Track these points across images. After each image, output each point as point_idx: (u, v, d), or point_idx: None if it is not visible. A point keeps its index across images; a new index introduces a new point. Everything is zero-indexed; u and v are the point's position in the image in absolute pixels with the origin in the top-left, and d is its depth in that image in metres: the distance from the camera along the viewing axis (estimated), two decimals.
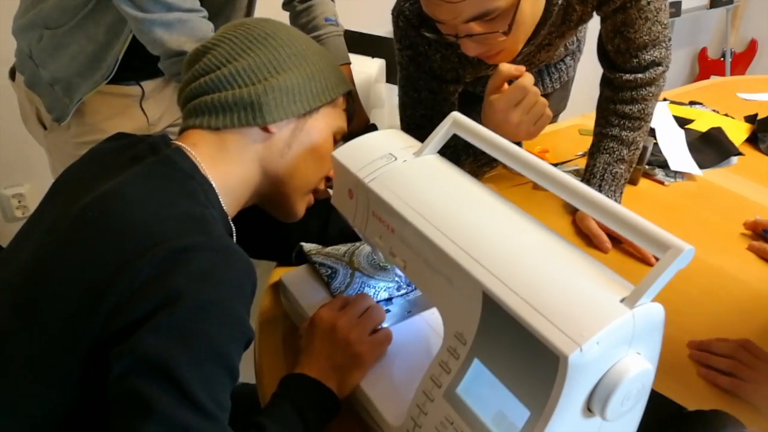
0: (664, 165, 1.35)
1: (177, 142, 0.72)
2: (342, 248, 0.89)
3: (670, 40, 1.08)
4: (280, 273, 0.90)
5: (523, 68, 0.91)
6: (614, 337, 0.46)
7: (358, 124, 1.29)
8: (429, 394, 0.57)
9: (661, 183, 1.31)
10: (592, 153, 1.15)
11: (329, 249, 0.89)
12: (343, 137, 1.34)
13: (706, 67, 3.90)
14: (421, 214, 0.59)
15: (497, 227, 0.57)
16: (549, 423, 0.47)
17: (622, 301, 0.47)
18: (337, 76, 0.80)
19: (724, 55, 3.75)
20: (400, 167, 0.66)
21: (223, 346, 0.56)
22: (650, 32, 1.02)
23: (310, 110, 0.76)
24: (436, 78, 1.05)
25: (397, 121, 1.16)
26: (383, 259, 0.84)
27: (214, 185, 0.70)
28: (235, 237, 0.73)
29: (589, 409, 0.49)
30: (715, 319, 0.91)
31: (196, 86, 0.74)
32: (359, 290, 0.80)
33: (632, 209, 1.24)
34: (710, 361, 0.81)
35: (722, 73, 3.75)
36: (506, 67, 0.91)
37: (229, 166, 0.73)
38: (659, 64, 1.07)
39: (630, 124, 1.11)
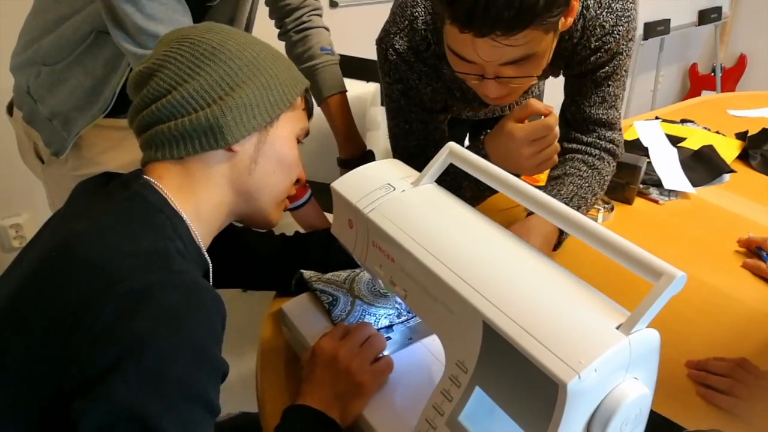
0: (658, 184, 1.37)
1: (146, 177, 0.70)
2: (342, 274, 0.90)
3: (621, 129, 1.12)
4: (280, 302, 0.91)
5: (551, 108, 0.93)
6: (611, 364, 0.47)
7: (355, 150, 1.30)
8: (432, 422, 0.58)
9: (656, 202, 1.33)
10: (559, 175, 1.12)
11: (329, 275, 0.90)
12: (340, 164, 1.37)
13: (696, 82, 3.95)
14: (421, 244, 0.61)
15: (495, 256, 0.58)
16: None
17: (618, 327, 0.49)
18: (292, 77, 0.77)
19: (714, 71, 3.80)
20: (398, 197, 0.67)
21: (197, 386, 0.55)
22: (607, 114, 1.06)
23: (270, 120, 0.74)
24: (427, 110, 1.06)
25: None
26: (383, 287, 0.85)
27: (184, 217, 0.69)
28: (211, 269, 0.73)
29: None
30: (711, 338, 0.92)
31: (148, 114, 0.70)
32: (360, 318, 0.81)
33: (628, 228, 1.28)
34: (708, 380, 0.82)
35: (713, 88, 3.80)
36: (536, 102, 0.92)
37: (198, 195, 0.71)
38: (614, 153, 1.10)
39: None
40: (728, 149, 1.55)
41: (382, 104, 2.13)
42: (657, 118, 1.75)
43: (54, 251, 0.61)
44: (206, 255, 0.71)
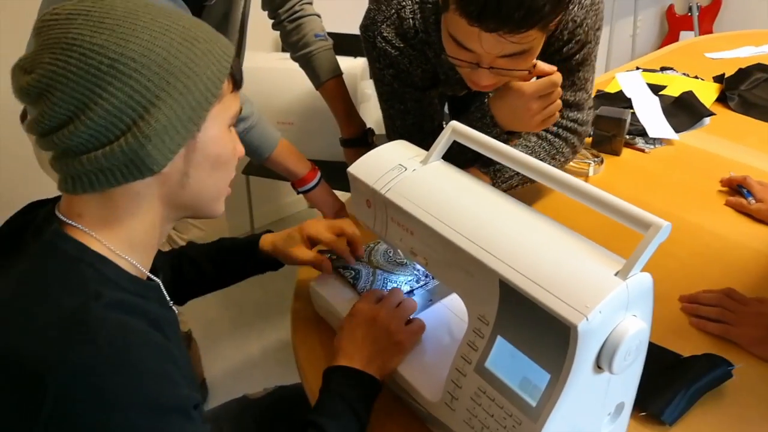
0: (642, 133, 1.45)
1: (62, 217, 0.62)
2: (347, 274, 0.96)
3: (590, 107, 1.18)
4: (303, 274, 0.99)
5: (554, 67, 0.98)
6: (613, 305, 0.56)
7: (356, 130, 1.37)
8: (461, 370, 0.66)
9: (642, 151, 1.40)
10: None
11: None
12: (343, 143, 1.43)
13: (674, 23, 3.99)
14: (436, 217, 0.68)
15: (504, 220, 0.66)
16: (567, 382, 0.57)
17: (616, 274, 0.57)
18: (215, 60, 0.63)
19: (690, 10, 3.84)
20: (411, 176, 0.75)
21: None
22: (575, 96, 1.12)
23: (197, 128, 0.63)
24: (419, 88, 1.12)
25: None
26: (403, 257, 0.92)
27: (110, 258, 0.62)
28: (161, 284, 0.70)
29: (598, 366, 0.59)
30: (702, 274, 1.01)
31: (52, 142, 0.59)
32: (383, 286, 0.89)
33: (618, 179, 1.36)
34: (699, 311, 0.91)
35: (690, 28, 3.84)
36: (541, 63, 0.97)
37: (128, 225, 0.63)
38: (576, 131, 1.16)
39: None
40: (707, 93, 1.62)
41: (371, 77, 2.20)
42: (638, 68, 1.81)
43: None
44: (151, 277, 0.67)
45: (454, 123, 0.76)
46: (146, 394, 0.54)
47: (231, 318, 2.07)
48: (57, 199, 0.67)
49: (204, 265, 0.95)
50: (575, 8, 1.02)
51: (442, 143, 0.76)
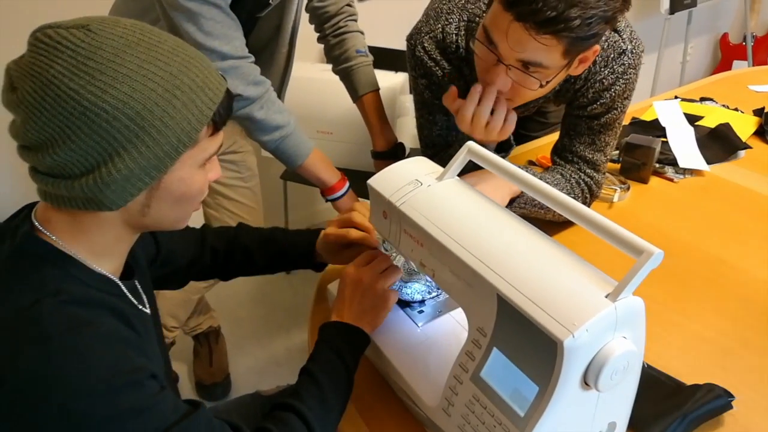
0: (673, 163, 1.45)
1: (33, 220, 0.66)
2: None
3: (605, 172, 1.20)
4: (325, 278, 1.04)
5: (454, 89, 1.02)
6: (600, 325, 0.58)
7: (387, 144, 1.42)
8: (458, 378, 0.70)
9: (671, 180, 1.41)
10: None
11: None
12: (374, 156, 1.48)
13: (728, 52, 3.92)
14: (445, 232, 0.72)
15: (506, 239, 0.69)
16: (553, 395, 0.59)
17: (607, 296, 0.60)
18: (193, 112, 0.63)
19: (745, 39, 3.76)
20: (425, 191, 0.79)
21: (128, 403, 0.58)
22: (594, 155, 1.15)
23: (162, 174, 0.64)
24: None
25: None
26: (416, 268, 0.96)
27: (78, 257, 0.65)
28: (132, 287, 0.73)
29: (586, 383, 0.61)
30: (719, 306, 1.01)
31: (26, 156, 0.63)
32: (398, 291, 0.93)
33: (643, 207, 1.37)
34: None
35: (744, 58, 3.77)
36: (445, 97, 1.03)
37: (91, 238, 0.66)
38: (591, 189, 1.18)
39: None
40: (745, 126, 1.61)
41: (410, 92, 2.25)
42: (676, 97, 1.81)
43: None
44: (115, 280, 0.69)
45: (470, 144, 0.79)
46: (97, 377, 0.57)
47: (260, 317, 2.14)
48: None
49: (256, 256, 0.99)
50: (605, 70, 1.06)
51: (458, 162, 0.80)
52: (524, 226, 0.71)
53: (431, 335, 0.88)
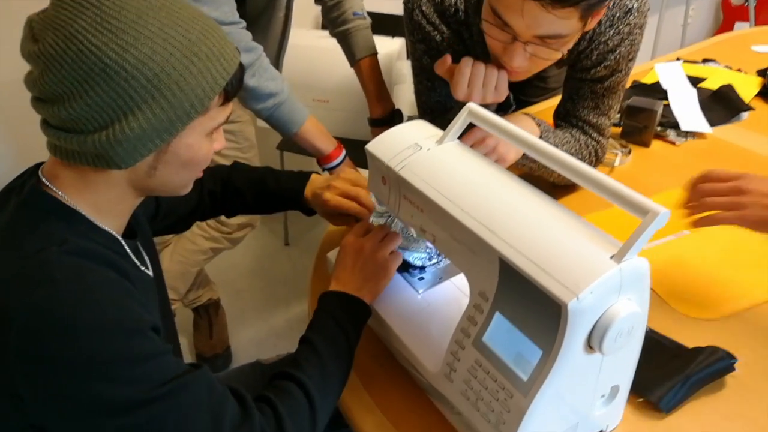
0: (675, 126, 1.43)
1: (41, 175, 0.67)
2: (380, 222, 0.99)
3: (609, 137, 1.18)
4: (324, 247, 1.03)
5: (447, 57, 1.01)
6: (605, 287, 0.57)
7: (385, 110, 1.39)
8: (460, 343, 0.69)
9: (673, 143, 1.39)
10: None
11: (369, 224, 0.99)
12: (371, 123, 1.46)
13: (729, 13, 3.86)
14: (445, 196, 0.71)
15: (508, 201, 0.68)
16: (557, 358, 0.59)
17: (611, 257, 0.58)
18: (211, 76, 0.65)
19: (747, 0, 3.70)
20: (425, 155, 0.77)
21: (130, 351, 0.59)
22: (598, 119, 1.13)
23: (172, 137, 0.66)
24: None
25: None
26: (415, 234, 0.95)
27: (82, 212, 0.67)
28: (133, 246, 0.73)
29: (590, 346, 0.60)
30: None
31: (40, 109, 0.64)
32: None
33: (645, 170, 1.34)
34: (708, 204, 0.84)
35: (746, 19, 3.71)
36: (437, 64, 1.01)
37: (97, 193, 0.67)
38: (596, 154, 1.16)
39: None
40: (748, 87, 1.58)
41: (408, 58, 2.21)
42: (678, 59, 1.78)
43: None
44: (117, 237, 0.71)
45: (471, 105, 0.77)
46: (105, 319, 0.58)
47: (259, 289, 2.13)
48: None
49: (248, 198, 1.01)
50: (610, 31, 1.02)
51: (458, 124, 0.78)
52: (527, 188, 0.70)
53: (432, 302, 0.87)
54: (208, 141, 0.70)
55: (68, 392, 0.58)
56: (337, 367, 0.76)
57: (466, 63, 0.98)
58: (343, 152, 1.25)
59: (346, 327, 0.78)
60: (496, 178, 0.72)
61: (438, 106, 1.19)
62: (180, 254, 1.62)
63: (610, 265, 0.58)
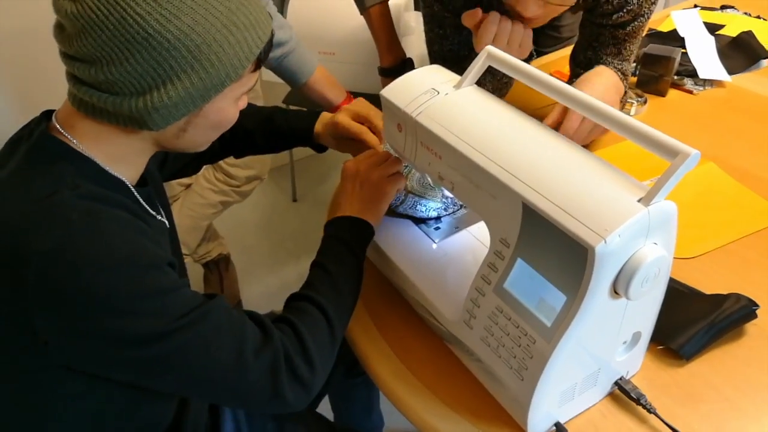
0: (692, 74, 1.39)
1: (55, 123, 0.66)
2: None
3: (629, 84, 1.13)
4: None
5: (478, 11, 0.98)
6: (632, 231, 0.56)
7: (395, 59, 1.36)
8: (480, 290, 0.68)
9: (690, 92, 1.35)
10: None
11: None
12: (381, 72, 1.43)
13: None
14: (465, 141, 0.69)
15: (530, 145, 0.66)
16: (582, 304, 0.58)
17: (639, 200, 0.57)
18: (245, 49, 0.64)
19: None
20: (442, 100, 0.75)
21: (145, 286, 0.60)
22: (621, 65, 1.08)
23: (206, 103, 0.66)
24: (459, 15, 1.11)
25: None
26: (432, 182, 0.93)
27: (95, 159, 0.66)
28: (144, 194, 0.72)
29: (615, 292, 0.59)
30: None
31: (73, 66, 0.63)
32: (412, 206, 0.90)
33: (661, 120, 1.33)
34: None
35: None
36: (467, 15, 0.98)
37: (113, 146, 0.67)
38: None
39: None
40: (767, 34, 1.53)
41: (416, 9, 2.15)
42: (696, 6, 1.72)
43: None
44: (129, 186, 0.70)
45: (490, 48, 0.75)
46: (120, 255, 0.59)
47: (269, 245, 2.13)
48: None
49: (257, 138, 1.00)
50: None
51: (476, 68, 0.76)
52: (549, 132, 0.68)
53: (448, 251, 0.86)
54: (236, 104, 0.72)
55: (89, 329, 0.58)
56: (349, 285, 0.78)
57: (493, 20, 0.96)
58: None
59: (353, 246, 0.80)
60: (518, 122, 0.70)
61: (450, 55, 1.16)
62: (189, 208, 1.61)
63: (638, 207, 0.56)
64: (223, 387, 0.65)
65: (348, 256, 0.79)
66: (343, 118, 0.96)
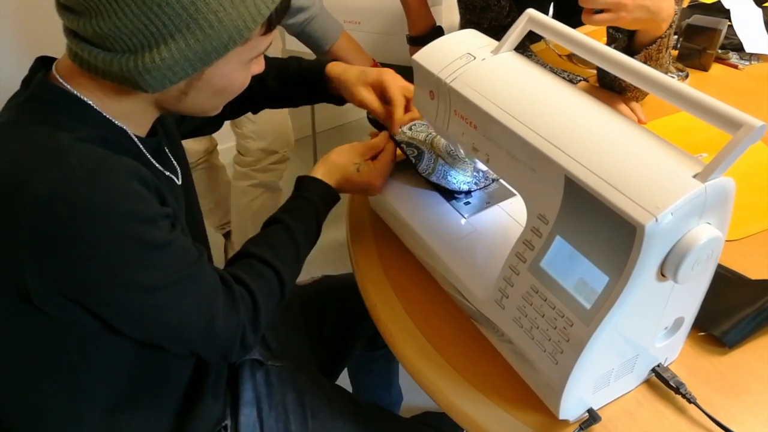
0: (738, 48, 1.32)
1: (54, 73, 0.63)
2: (421, 135, 0.92)
3: None
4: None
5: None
6: (686, 209, 0.51)
7: (425, 27, 1.31)
8: (515, 268, 0.65)
9: (735, 67, 1.29)
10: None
11: (410, 133, 0.92)
12: (410, 41, 1.37)
13: None
14: (504, 109, 0.64)
15: (574, 115, 0.61)
16: (626, 285, 0.54)
17: (695, 176, 0.52)
18: (251, 10, 0.60)
19: None
20: (479, 66, 0.70)
21: (143, 235, 0.59)
22: None
23: (206, 67, 0.62)
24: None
25: (454, 19, 1.16)
26: (464, 154, 0.89)
27: (91, 102, 0.63)
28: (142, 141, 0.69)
29: (662, 274, 0.55)
30: None
31: (66, 18, 0.60)
32: (442, 176, 0.86)
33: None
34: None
35: None
36: None
37: (115, 103, 0.64)
38: None
39: None
40: None
41: None
42: None
43: None
44: (129, 133, 0.66)
45: (531, 11, 0.70)
46: (119, 204, 0.57)
47: None
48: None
49: (269, 82, 0.94)
50: None
51: (516, 32, 0.71)
52: (594, 102, 0.63)
53: (479, 227, 0.82)
54: (245, 69, 0.67)
55: (73, 270, 0.57)
56: (306, 253, 0.79)
57: None
58: None
59: (320, 216, 0.80)
60: (561, 91, 0.65)
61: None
62: (233, 208, 1.60)
63: (693, 184, 0.52)
64: (185, 343, 0.67)
65: (315, 227, 0.80)
66: (366, 96, 0.90)
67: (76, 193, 0.55)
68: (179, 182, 0.76)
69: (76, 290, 0.59)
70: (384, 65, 1.27)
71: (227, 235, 1.83)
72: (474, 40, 0.75)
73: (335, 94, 0.94)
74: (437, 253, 0.79)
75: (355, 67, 0.92)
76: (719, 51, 1.30)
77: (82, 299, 0.60)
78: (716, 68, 1.29)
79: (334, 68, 0.92)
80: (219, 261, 1.84)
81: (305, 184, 0.82)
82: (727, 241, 0.84)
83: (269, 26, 0.64)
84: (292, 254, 0.76)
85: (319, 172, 0.83)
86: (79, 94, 0.62)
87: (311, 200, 0.80)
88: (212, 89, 0.65)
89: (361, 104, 0.90)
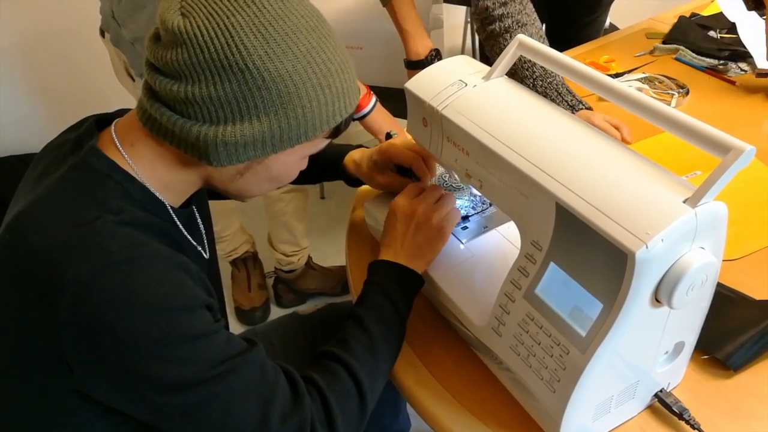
0: (735, 59, 1.31)
1: (112, 135, 0.64)
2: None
3: None
4: (362, 201, 0.98)
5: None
6: (677, 235, 0.51)
7: (423, 50, 1.31)
8: (510, 296, 0.64)
9: (733, 83, 1.28)
10: None
11: None
12: (408, 65, 1.38)
13: None
14: (494, 136, 0.65)
15: (565, 141, 0.61)
16: (620, 312, 0.53)
17: (685, 201, 0.52)
18: (329, 113, 0.63)
19: None
20: (470, 93, 0.71)
21: (179, 330, 0.57)
22: None
23: (272, 154, 0.64)
24: None
25: (456, 41, 1.16)
26: (458, 180, 0.89)
27: (139, 178, 0.63)
28: (181, 220, 0.70)
29: (657, 300, 0.55)
30: None
31: (151, 76, 0.61)
32: None
33: (705, 112, 1.25)
34: None
35: None
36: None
37: (166, 172, 0.65)
38: None
39: None
40: None
41: (445, 0, 2.09)
42: None
43: (7, 233, 0.61)
44: (167, 208, 0.67)
45: (521, 36, 0.70)
46: (154, 296, 0.56)
47: None
48: (114, 115, 0.69)
49: None
50: None
51: (506, 58, 0.71)
52: (586, 128, 0.63)
53: (477, 252, 0.82)
54: (300, 163, 0.69)
55: (114, 365, 0.56)
56: (388, 348, 0.70)
57: None
58: (373, 99, 1.18)
59: (397, 303, 0.72)
60: (551, 116, 0.65)
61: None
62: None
63: (683, 209, 0.51)
64: None
65: (391, 315, 0.72)
66: (401, 141, 0.89)
67: (113, 282, 0.55)
68: (207, 256, 0.75)
69: (112, 384, 0.58)
70: (387, 90, 1.28)
71: (234, 263, 1.83)
72: (466, 66, 0.75)
73: (348, 175, 0.95)
74: (435, 279, 0.79)
75: (365, 157, 0.92)
76: (719, 64, 1.30)
77: (118, 392, 0.58)
78: (713, 82, 1.28)
79: (348, 164, 0.93)
80: (227, 288, 1.85)
81: (370, 268, 0.77)
82: (728, 260, 0.84)
83: (336, 131, 0.67)
84: (365, 347, 0.69)
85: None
86: (129, 162, 0.63)
87: (375, 282, 0.74)
88: (268, 175, 0.67)
89: (384, 189, 0.91)
